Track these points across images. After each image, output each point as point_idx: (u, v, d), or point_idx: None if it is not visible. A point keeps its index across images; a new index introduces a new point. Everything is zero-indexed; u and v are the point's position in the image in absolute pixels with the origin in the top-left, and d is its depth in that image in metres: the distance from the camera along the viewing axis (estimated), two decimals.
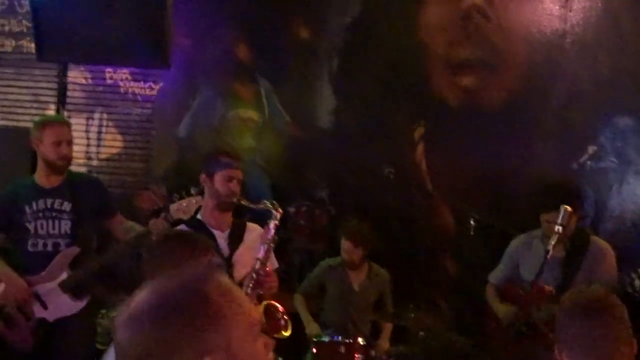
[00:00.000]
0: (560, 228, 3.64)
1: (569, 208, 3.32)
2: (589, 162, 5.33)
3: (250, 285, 3.37)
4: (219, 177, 3.57)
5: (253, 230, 3.68)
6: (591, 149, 5.31)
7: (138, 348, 1.17)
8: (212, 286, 1.23)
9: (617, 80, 5.31)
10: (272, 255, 3.59)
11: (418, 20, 5.49)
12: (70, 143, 3.91)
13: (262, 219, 3.64)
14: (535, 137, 5.42)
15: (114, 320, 1.25)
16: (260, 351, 1.29)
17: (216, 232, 3.58)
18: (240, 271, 3.45)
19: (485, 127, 5.40)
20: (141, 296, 1.22)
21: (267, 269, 3.47)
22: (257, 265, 3.43)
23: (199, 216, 3.67)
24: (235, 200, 3.57)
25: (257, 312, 1.40)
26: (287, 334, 3.47)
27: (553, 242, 3.59)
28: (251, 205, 3.59)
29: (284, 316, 3.51)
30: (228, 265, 3.45)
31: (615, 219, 5.23)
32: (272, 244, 3.50)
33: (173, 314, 1.19)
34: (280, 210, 3.54)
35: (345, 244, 4.70)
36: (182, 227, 3.62)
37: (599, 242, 4.16)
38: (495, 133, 5.39)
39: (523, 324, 3.87)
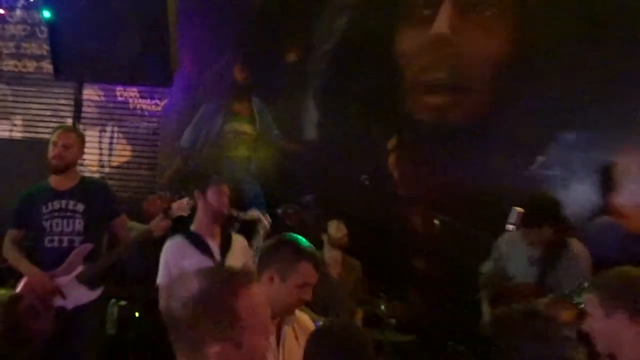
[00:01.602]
0: (512, 227, 3.55)
1: (519, 209, 3.22)
2: (538, 171, 5.33)
3: None
4: (211, 192, 3.59)
5: (236, 240, 3.70)
6: (540, 159, 5.31)
7: (182, 316, 1.45)
8: (241, 296, 1.47)
9: (564, 100, 5.29)
10: None
11: (393, 47, 5.50)
12: (66, 147, 3.79)
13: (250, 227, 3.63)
14: (493, 149, 5.40)
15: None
16: (264, 346, 1.52)
17: (210, 242, 3.58)
18: None
19: (451, 141, 5.40)
20: (195, 282, 1.49)
21: None
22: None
23: (192, 228, 3.65)
24: (226, 211, 3.58)
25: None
26: None
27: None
28: (240, 214, 3.63)
29: None
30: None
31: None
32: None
33: (204, 305, 1.45)
34: (269, 219, 3.52)
35: (335, 224, 4.66)
36: (178, 238, 3.60)
37: (576, 245, 3.90)
38: (459, 146, 5.38)
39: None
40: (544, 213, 3.70)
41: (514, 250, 3.90)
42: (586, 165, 5.26)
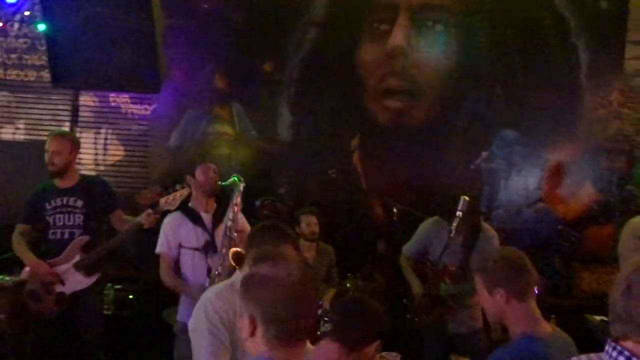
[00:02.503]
0: (460, 213, 3.61)
1: (466, 198, 3.31)
2: (482, 164, 5.42)
3: (225, 246, 3.38)
4: (199, 172, 3.63)
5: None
6: (484, 154, 5.41)
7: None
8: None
9: (506, 103, 5.42)
10: (242, 219, 3.62)
11: (355, 57, 5.53)
12: (56, 153, 3.77)
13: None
14: (445, 146, 5.49)
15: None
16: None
17: (203, 214, 3.61)
18: (220, 239, 3.48)
19: (408, 140, 5.46)
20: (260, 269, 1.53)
21: (237, 228, 3.47)
22: (228, 224, 3.42)
23: (190, 205, 3.68)
24: (214, 184, 3.61)
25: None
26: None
27: (455, 224, 3.56)
28: (222, 183, 3.62)
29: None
30: (211, 235, 3.54)
31: (504, 208, 5.34)
32: (237, 207, 3.49)
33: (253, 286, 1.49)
34: (243, 182, 3.52)
35: (309, 219, 4.57)
36: (176, 214, 3.63)
37: (487, 229, 4.03)
38: (415, 144, 5.45)
39: (432, 297, 3.80)
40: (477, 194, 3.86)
41: (439, 234, 3.91)
42: (524, 159, 5.38)
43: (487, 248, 3.67)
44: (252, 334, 1.49)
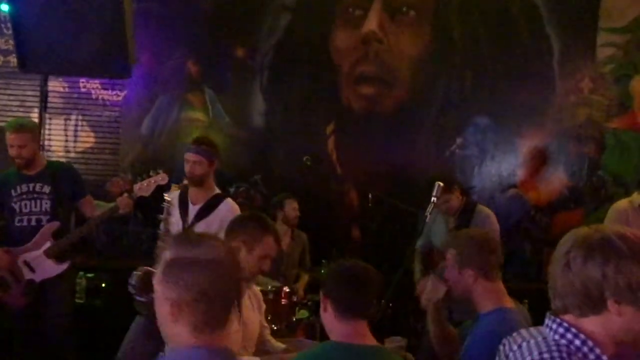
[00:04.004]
0: (435, 199, 3.63)
1: (440, 184, 3.34)
2: (457, 151, 5.46)
3: None
4: (185, 160, 3.51)
5: (225, 204, 3.52)
6: (459, 140, 5.44)
7: None
8: None
9: (478, 90, 5.47)
10: None
11: (329, 43, 5.51)
12: (21, 147, 3.71)
13: None
14: (419, 133, 5.51)
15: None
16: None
17: (190, 206, 3.50)
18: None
19: (381, 126, 5.47)
20: None
21: None
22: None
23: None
24: (195, 177, 3.46)
25: None
26: None
27: (430, 209, 3.57)
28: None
29: None
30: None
31: (477, 193, 5.39)
32: None
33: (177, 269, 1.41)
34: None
35: (292, 203, 4.66)
36: (176, 193, 3.53)
37: (483, 209, 4.05)
38: (388, 130, 5.46)
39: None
40: (451, 179, 3.90)
41: (436, 224, 4.00)
42: (497, 146, 5.44)
43: (484, 228, 3.65)
44: (175, 320, 1.39)
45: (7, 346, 3.73)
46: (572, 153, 5.38)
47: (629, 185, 4.78)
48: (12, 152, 3.74)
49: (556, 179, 5.40)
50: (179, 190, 3.56)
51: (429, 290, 2.37)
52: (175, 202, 3.50)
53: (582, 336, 1.35)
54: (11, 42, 4.91)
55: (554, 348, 1.35)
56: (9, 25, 4.90)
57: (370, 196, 5.18)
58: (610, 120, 5.35)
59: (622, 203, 3.69)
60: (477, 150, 5.45)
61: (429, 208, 3.65)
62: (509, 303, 2.25)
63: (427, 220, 3.58)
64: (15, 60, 4.41)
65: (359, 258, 5.36)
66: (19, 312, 3.71)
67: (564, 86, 5.39)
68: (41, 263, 3.68)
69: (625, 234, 1.36)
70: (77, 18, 4.10)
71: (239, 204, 5.11)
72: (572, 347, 1.35)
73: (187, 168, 3.48)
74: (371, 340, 1.99)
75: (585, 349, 1.34)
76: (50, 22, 4.05)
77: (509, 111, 5.42)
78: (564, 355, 1.33)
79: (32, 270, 3.70)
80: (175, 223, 3.43)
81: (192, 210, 3.47)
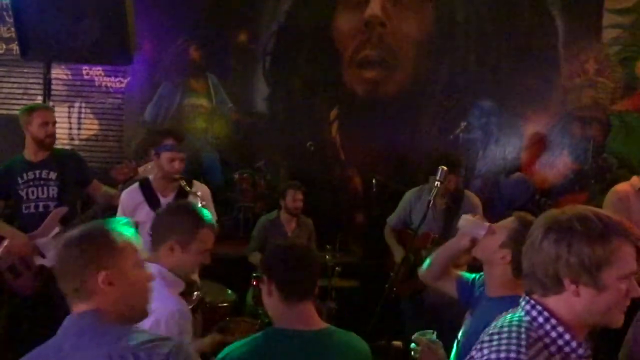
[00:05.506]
0: (439, 183, 3.65)
1: (445, 168, 3.37)
2: (461, 135, 5.44)
3: None
4: (164, 157, 3.48)
5: (199, 189, 3.56)
6: (463, 124, 5.42)
7: (64, 259, 1.59)
8: (115, 231, 1.58)
9: (481, 73, 5.44)
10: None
11: (331, 27, 5.47)
12: (54, 124, 3.84)
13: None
14: (422, 117, 5.50)
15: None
16: (143, 276, 1.62)
17: (161, 198, 3.52)
18: None
19: (385, 111, 5.45)
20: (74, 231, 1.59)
21: None
22: None
23: (150, 178, 3.60)
24: (176, 177, 3.48)
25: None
26: None
27: (434, 194, 3.60)
28: (186, 188, 3.48)
29: None
30: None
31: (482, 177, 5.40)
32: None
33: (86, 242, 1.56)
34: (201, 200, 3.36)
35: (296, 194, 4.67)
36: (134, 187, 3.56)
37: (471, 196, 4.21)
38: (392, 115, 5.44)
39: (412, 265, 3.83)
40: (458, 162, 3.95)
41: (419, 203, 4.05)
42: (501, 129, 5.43)
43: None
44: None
45: (18, 332, 3.78)
46: (577, 135, 5.36)
47: (635, 168, 4.77)
48: (48, 129, 3.76)
49: (561, 162, 5.39)
50: (137, 185, 3.55)
51: (472, 225, 2.22)
52: (139, 196, 3.51)
53: (553, 321, 1.37)
54: (13, 29, 4.92)
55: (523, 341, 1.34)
56: (10, 13, 4.91)
57: (374, 181, 5.21)
58: (615, 102, 5.31)
59: (622, 186, 3.67)
60: (482, 133, 5.43)
61: (433, 192, 3.69)
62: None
63: (430, 205, 3.60)
64: (17, 48, 4.42)
65: (362, 244, 5.43)
66: (30, 299, 3.76)
67: (568, 68, 5.35)
68: (51, 249, 3.69)
69: (588, 215, 1.36)
70: (78, 5, 4.12)
71: (243, 190, 5.12)
72: (541, 331, 1.37)
73: (173, 165, 3.45)
74: (318, 322, 1.96)
75: (554, 333, 1.37)
76: (52, 9, 4.07)
77: (513, 94, 5.39)
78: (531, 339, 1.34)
79: (42, 256, 3.74)
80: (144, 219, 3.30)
81: (165, 202, 3.44)
